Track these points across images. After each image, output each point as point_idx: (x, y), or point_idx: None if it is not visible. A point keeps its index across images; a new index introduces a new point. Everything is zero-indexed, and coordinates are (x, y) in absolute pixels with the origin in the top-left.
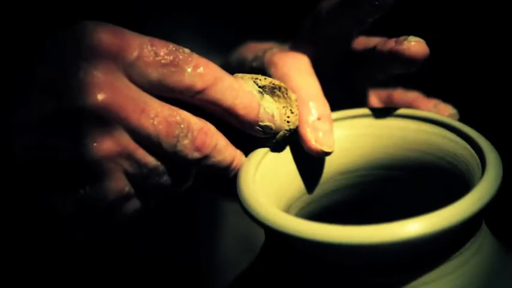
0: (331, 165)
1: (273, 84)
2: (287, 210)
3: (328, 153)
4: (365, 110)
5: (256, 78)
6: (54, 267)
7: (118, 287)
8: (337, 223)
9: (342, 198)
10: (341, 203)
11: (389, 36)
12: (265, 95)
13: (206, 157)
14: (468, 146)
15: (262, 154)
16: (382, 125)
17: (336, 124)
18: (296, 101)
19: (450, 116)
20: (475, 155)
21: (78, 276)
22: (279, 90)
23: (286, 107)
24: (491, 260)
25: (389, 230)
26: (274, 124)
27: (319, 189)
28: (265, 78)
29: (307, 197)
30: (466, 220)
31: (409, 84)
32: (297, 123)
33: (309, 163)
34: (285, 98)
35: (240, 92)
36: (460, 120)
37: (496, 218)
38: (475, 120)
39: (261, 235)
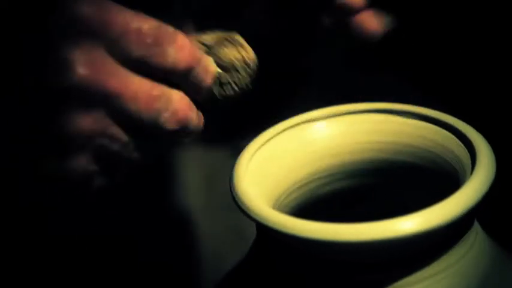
0: (322, 161)
1: (220, 37)
2: (280, 204)
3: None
4: (358, 106)
5: (201, 38)
6: (44, 267)
7: (106, 282)
8: (328, 219)
9: (334, 193)
10: (332, 198)
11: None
12: (215, 52)
13: (184, 128)
14: (461, 143)
15: (255, 148)
16: (373, 121)
17: (327, 120)
18: (244, 40)
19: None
20: (468, 152)
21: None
22: (227, 41)
23: (239, 52)
24: (484, 258)
25: (381, 227)
26: (236, 78)
27: (311, 184)
28: (208, 35)
29: (300, 192)
30: (457, 218)
31: (407, 83)
32: (255, 60)
33: (302, 158)
34: (234, 45)
35: (209, 73)
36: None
37: (488, 216)
38: (474, 120)
39: (253, 230)
